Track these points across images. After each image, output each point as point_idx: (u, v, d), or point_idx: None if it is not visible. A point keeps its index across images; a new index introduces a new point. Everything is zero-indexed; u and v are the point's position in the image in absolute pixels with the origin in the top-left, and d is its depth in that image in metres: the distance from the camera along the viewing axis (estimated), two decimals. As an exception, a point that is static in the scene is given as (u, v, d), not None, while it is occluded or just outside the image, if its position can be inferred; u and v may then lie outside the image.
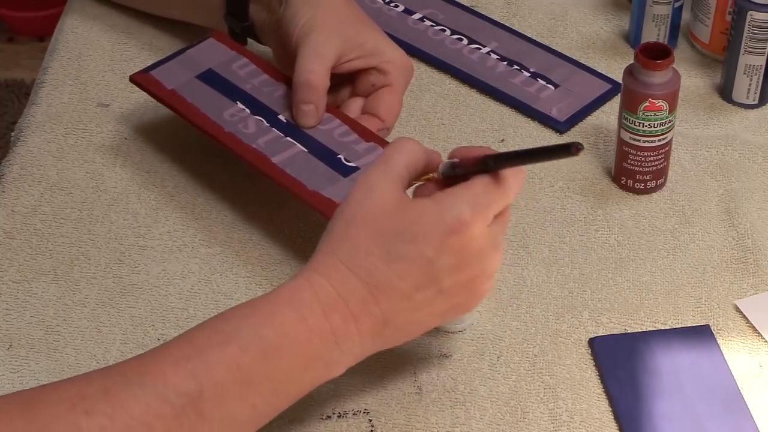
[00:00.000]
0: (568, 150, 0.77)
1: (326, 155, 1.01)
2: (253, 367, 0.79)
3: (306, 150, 1.02)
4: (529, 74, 1.20)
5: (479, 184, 0.83)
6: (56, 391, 0.77)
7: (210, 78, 1.07)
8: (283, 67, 1.08)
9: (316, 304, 0.81)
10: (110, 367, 0.79)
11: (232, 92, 1.06)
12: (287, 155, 1.01)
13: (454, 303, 0.85)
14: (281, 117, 1.05)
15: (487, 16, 1.27)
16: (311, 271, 0.82)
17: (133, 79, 1.08)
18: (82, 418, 0.75)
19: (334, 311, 0.81)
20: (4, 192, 1.08)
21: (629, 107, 1.04)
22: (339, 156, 1.01)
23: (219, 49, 1.10)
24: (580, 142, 0.79)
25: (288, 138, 1.03)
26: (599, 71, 1.21)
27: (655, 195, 1.09)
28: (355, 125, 1.04)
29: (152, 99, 1.14)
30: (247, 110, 1.05)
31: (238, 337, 0.79)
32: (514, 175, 0.84)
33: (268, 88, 1.07)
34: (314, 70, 1.03)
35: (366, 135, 1.03)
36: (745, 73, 1.15)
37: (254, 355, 0.79)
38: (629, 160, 1.07)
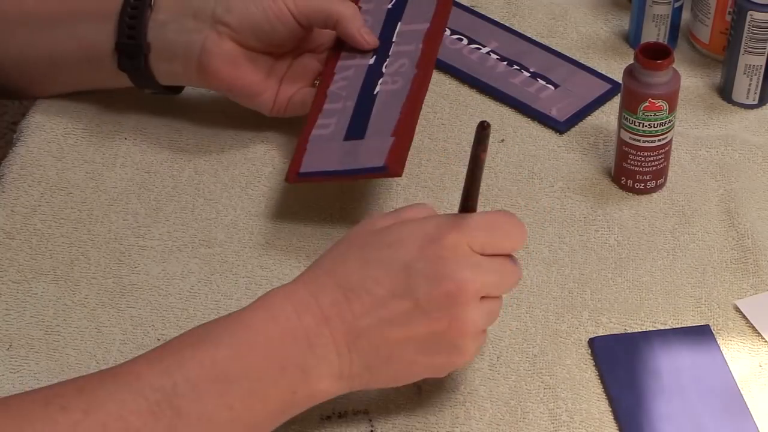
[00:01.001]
0: (483, 131, 0.79)
1: None
2: (227, 363, 0.79)
3: None
4: (529, 74, 1.20)
5: (471, 215, 0.85)
6: (33, 392, 0.79)
7: None
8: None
9: (288, 304, 0.82)
10: (89, 375, 0.80)
11: None
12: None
13: (434, 331, 0.83)
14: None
15: (487, 16, 1.27)
16: (292, 282, 0.84)
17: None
18: (58, 414, 0.75)
19: (305, 311, 0.81)
20: (4, 192, 1.07)
21: (629, 107, 1.04)
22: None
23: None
24: (486, 126, 0.80)
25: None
26: (599, 71, 1.21)
27: (655, 195, 1.09)
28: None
29: (152, 99, 1.14)
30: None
31: (211, 337, 0.80)
32: (509, 221, 0.86)
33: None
34: (341, 0, 1.07)
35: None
36: (745, 73, 1.15)
37: (228, 352, 0.80)
38: (629, 160, 1.07)
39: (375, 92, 1.06)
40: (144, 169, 1.10)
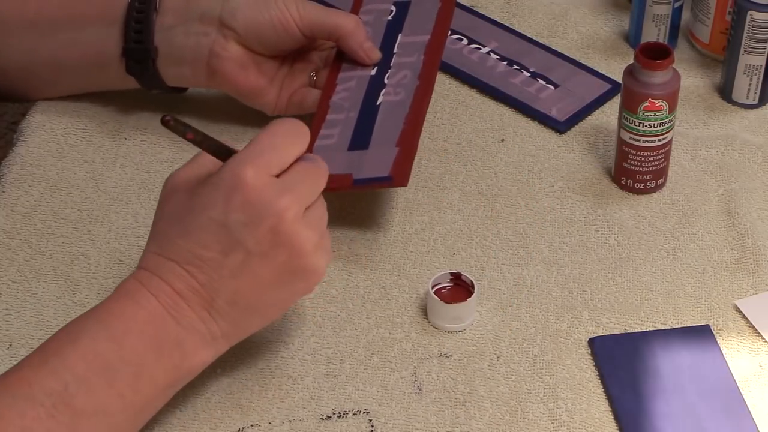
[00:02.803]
0: (165, 125, 0.84)
1: None
2: (107, 353, 0.82)
3: None
4: (529, 74, 1.20)
5: (249, 144, 0.86)
6: None
7: None
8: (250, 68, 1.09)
9: (144, 289, 0.85)
10: None
11: None
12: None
13: (277, 265, 0.85)
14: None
15: (487, 16, 1.27)
16: (137, 269, 0.87)
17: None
18: None
19: (161, 293, 0.84)
20: (4, 192, 1.07)
21: (629, 107, 1.04)
22: None
23: None
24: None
25: None
26: (599, 71, 1.21)
27: (655, 195, 1.09)
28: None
29: (152, 98, 1.14)
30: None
31: (86, 332, 0.83)
32: (283, 131, 0.87)
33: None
34: (345, 14, 1.09)
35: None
36: (745, 73, 1.15)
37: (106, 343, 0.82)
38: (629, 160, 1.07)
39: (378, 103, 1.07)
40: (144, 169, 1.10)
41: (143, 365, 0.83)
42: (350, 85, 1.09)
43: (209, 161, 0.87)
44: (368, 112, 1.07)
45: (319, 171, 0.88)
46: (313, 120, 1.08)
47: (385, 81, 1.09)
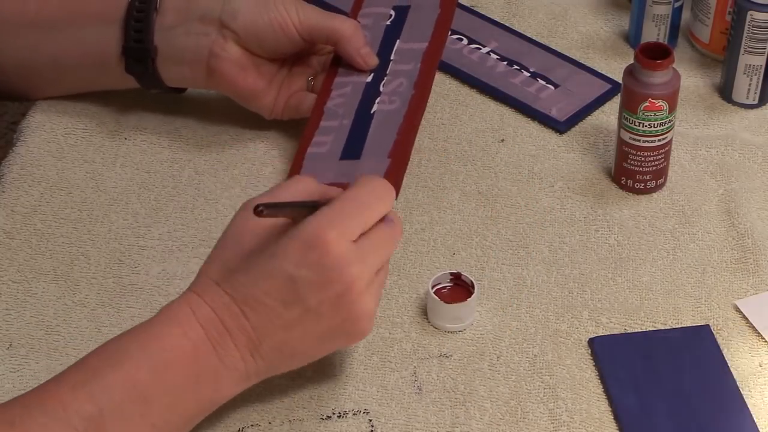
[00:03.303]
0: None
1: None
2: (147, 383, 0.82)
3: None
4: (529, 74, 1.20)
5: (336, 202, 0.85)
6: None
7: None
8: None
9: (194, 319, 0.84)
10: (11, 401, 0.81)
11: None
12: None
13: (331, 326, 0.85)
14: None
15: (487, 16, 1.27)
16: (189, 292, 0.86)
17: None
18: None
19: (210, 326, 0.84)
20: (4, 192, 1.07)
21: (629, 107, 1.04)
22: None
23: None
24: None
25: None
26: (599, 71, 1.21)
27: (655, 195, 1.09)
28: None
29: (152, 98, 1.14)
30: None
31: (129, 357, 0.82)
32: (370, 190, 0.86)
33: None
34: (344, 19, 1.09)
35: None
36: (745, 73, 1.15)
37: (147, 373, 0.82)
38: (629, 160, 1.07)
39: (372, 111, 1.08)
40: (144, 169, 1.10)
41: (179, 397, 0.83)
42: (345, 91, 1.09)
43: (289, 197, 0.87)
44: (362, 120, 1.07)
45: (394, 235, 0.88)
46: (306, 125, 1.08)
47: (381, 89, 1.09)
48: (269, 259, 0.84)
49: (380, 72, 1.11)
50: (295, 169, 1.06)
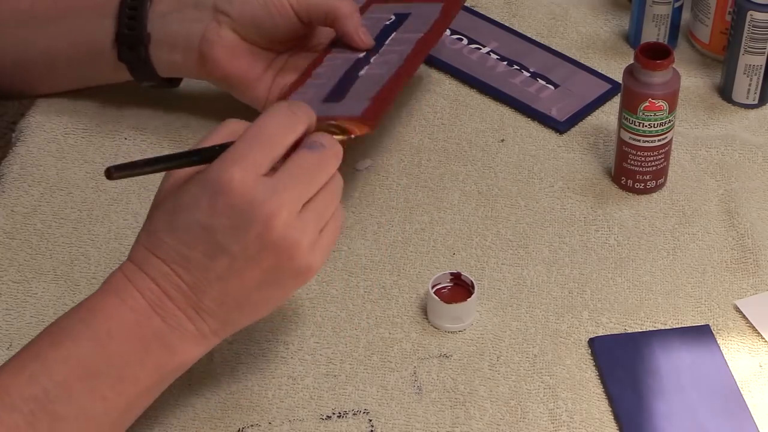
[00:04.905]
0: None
1: None
2: (90, 357, 0.80)
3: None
4: (529, 74, 1.20)
5: (237, 141, 0.82)
6: None
7: None
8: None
9: (131, 286, 0.82)
10: None
11: None
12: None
13: (266, 268, 0.81)
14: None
15: (487, 16, 1.27)
16: (126, 262, 0.84)
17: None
18: None
19: (147, 290, 0.82)
20: (4, 192, 1.07)
21: (629, 107, 1.04)
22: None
23: None
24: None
25: None
26: (599, 71, 1.21)
27: (655, 195, 1.09)
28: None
29: (152, 98, 1.14)
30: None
31: (69, 333, 0.81)
32: (273, 119, 0.83)
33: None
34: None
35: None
36: (745, 73, 1.15)
37: (89, 346, 0.80)
38: (629, 160, 1.07)
39: (359, 74, 1.06)
40: (144, 169, 1.10)
41: (127, 366, 0.81)
42: (336, 62, 1.08)
43: (220, 138, 0.84)
44: (348, 79, 1.05)
45: (323, 159, 0.83)
46: (291, 84, 1.06)
47: (371, 61, 1.08)
48: (184, 212, 0.81)
49: (372, 52, 1.09)
50: None
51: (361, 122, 0.96)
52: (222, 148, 0.83)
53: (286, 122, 0.83)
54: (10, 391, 0.78)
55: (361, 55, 1.09)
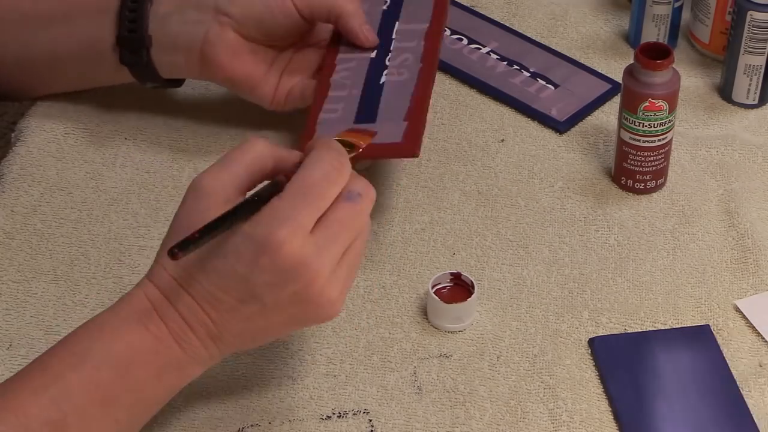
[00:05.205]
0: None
1: None
2: (110, 384, 0.80)
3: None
4: (528, 74, 1.20)
5: (283, 194, 0.81)
6: None
7: None
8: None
9: (155, 315, 0.82)
10: None
11: None
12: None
13: (293, 314, 0.82)
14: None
15: (486, 16, 1.27)
16: (148, 284, 0.83)
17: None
18: None
19: (170, 319, 0.82)
20: (4, 192, 1.07)
21: (629, 107, 1.04)
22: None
23: None
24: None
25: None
26: (599, 71, 1.21)
27: (655, 195, 1.09)
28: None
29: (152, 99, 1.14)
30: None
31: (90, 357, 0.81)
32: (320, 172, 0.82)
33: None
34: None
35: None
36: (745, 73, 1.15)
37: (109, 373, 0.80)
38: (629, 160, 1.07)
39: (381, 82, 1.05)
40: (144, 169, 1.10)
41: (142, 391, 0.82)
42: (351, 66, 1.07)
43: (241, 167, 0.83)
44: (372, 90, 1.05)
45: (359, 210, 0.83)
46: (315, 98, 1.06)
47: (387, 63, 1.07)
48: (222, 259, 0.81)
49: (384, 50, 1.09)
50: (307, 135, 1.03)
51: (405, 151, 0.98)
52: (262, 200, 0.81)
53: (331, 173, 0.82)
54: (29, 413, 0.78)
55: (373, 54, 1.08)
